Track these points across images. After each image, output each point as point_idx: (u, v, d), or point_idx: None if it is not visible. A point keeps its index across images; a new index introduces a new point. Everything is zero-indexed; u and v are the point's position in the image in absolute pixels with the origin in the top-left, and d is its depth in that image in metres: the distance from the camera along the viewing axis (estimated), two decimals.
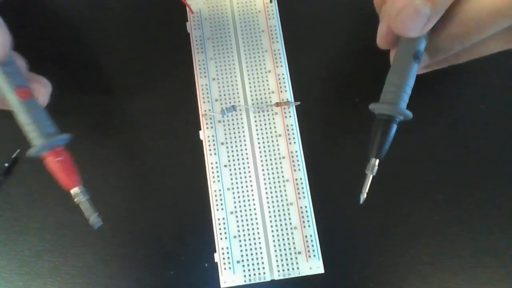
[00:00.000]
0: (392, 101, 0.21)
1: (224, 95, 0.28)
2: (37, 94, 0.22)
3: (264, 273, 0.24)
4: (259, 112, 0.27)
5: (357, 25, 0.31)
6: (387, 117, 0.21)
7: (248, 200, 0.26)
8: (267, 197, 0.26)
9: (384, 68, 0.30)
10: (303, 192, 0.26)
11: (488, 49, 0.22)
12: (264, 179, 0.26)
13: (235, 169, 0.26)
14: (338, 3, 0.31)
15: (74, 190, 0.22)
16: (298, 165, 0.26)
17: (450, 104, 0.29)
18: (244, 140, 0.27)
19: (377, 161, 0.22)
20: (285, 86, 0.28)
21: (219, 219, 0.25)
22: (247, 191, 0.26)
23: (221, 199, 0.25)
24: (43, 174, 0.27)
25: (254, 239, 0.25)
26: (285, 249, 0.25)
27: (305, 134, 0.27)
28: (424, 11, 0.19)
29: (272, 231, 0.25)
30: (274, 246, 0.25)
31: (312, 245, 0.25)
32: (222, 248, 0.25)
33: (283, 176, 0.26)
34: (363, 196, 0.22)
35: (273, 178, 0.26)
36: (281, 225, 0.25)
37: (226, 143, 0.27)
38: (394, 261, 0.26)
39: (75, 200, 0.23)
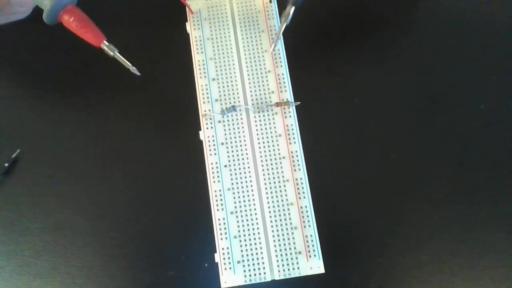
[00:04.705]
0: None
1: (224, 95, 0.28)
2: None
3: (264, 273, 0.24)
4: (259, 112, 0.27)
5: (357, 25, 0.31)
6: None
7: (248, 200, 0.26)
8: (267, 197, 0.26)
9: (383, 69, 0.30)
10: (303, 192, 0.26)
11: None
12: (264, 179, 0.26)
13: (235, 169, 0.26)
14: (338, 3, 0.31)
15: (104, 45, 0.24)
16: (298, 165, 0.26)
17: (450, 104, 0.29)
18: (244, 140, 0.27)
19: (293, 8, 0.24)
20: (285, 86, 0.28)
21: (219, 219, 0.25)
22: (247, 191, 0.26)
23: (221, 199, 0.25)
24: (43, 174, 0.28)
25: (255, 239, 0.25)
26: (285, 249, 0.25)
27: (305, 134, 0.27)
28: None
29: (273, 231, 0.25)
30: (275, 246, 0.25)
31: (313, 245, 0.25)
32: (223, 248, 0.25)
33: (283, 176, 0.26)
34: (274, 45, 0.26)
35: (273, 178, 0.26)
36: (281, 225, 0.25)
37: (226, 143, 0.27)
38: (394, 261, 0.26)
39: (108, 53, 0.24)
